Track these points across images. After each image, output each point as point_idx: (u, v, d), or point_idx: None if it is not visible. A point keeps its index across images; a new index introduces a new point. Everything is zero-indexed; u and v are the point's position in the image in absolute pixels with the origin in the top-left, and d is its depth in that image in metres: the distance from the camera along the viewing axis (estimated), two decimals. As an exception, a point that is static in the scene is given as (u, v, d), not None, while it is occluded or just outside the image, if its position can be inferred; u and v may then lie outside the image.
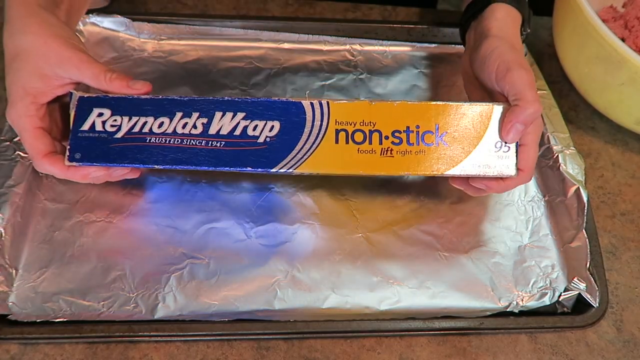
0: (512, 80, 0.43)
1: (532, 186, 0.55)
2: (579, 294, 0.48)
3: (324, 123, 0.43)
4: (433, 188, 0.54)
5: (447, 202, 0.53)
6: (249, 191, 0.52)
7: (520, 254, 0.51)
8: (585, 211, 0.50)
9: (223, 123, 0.43)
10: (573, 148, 0.54)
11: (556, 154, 0.54)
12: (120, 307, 0.45)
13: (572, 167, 0.53)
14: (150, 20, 0.60)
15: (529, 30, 0.52)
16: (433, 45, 0.64)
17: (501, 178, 0.44)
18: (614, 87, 0.55)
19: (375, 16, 0.67)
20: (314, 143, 0.43)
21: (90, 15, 0.59)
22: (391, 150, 0.43)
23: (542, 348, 0.47)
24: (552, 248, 0.51)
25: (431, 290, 0.48)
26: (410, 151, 0.44)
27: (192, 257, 0.48)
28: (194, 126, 0.43)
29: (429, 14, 0.68)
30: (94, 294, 0.45)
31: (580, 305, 0.48)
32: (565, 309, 0.48)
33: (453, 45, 0.64)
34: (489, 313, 0.47)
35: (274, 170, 0.43)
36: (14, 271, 0.46)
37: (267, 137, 0.43)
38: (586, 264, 0.48)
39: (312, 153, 0.43)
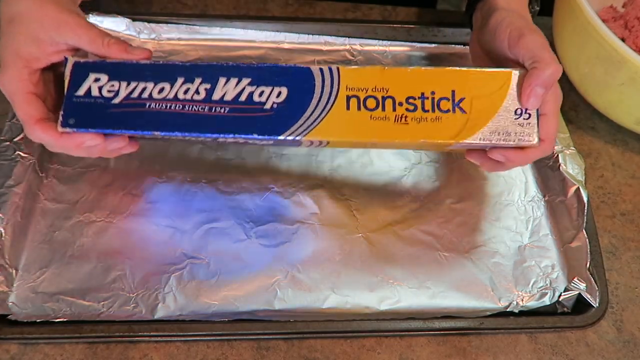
0: (527, 44, 0.42)
1: (532, 186, 0.55)
2: (579, 294, 0.48)
3: (334, 89, 0.41)
4: (433, 188, 0.54)
5: (447, 202, 0.53)
6: (249, 191, 0.52)
7: (520, 254, 0.51)
8: (585, 211, 0.50)
9: (227, 89, 0.41)
10: (573, 148, 0.54)
11: (556, 154, 0.54)
12: (120, 307, 0.45)
13: (572, 167, 0.53)
14: (150, 20, 0.60)
15: (537, 8, 0.51)
16: (433, 45, 0.64)
17: (521, 148, 0.43)
18: (614, 87, 0.55)
19: (375, 16, 0.67)
20: (323, 109, 0.41)
21: (90, 15, 0.59)
22: (406, 117, 0.41)
23: (542, 348, 0.47)
24: (552, 248, 0.51)
25: (431, 290, 0.48)
26: (426, 118, 0.41)
27: (192, 257, 0.48)
28: (197, 92, 0.41)
29: (429, 14, 0.68)
30: (94, 294, 0.45)
31: (580, 305, 0.48)
32: (565, 309, 0.48)
33: (453, 45, 0.64)
34: (489, 313, 0.47)
35: (281, 137, 0.41)
36: (14, 271, 0.46)
37: (274, 103, 0.41)
38: (586, 264, 0.48)
39: (322, 120, 0.41)
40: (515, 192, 0.54)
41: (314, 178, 0.53)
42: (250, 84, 0.41)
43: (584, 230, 0.49)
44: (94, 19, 0.60)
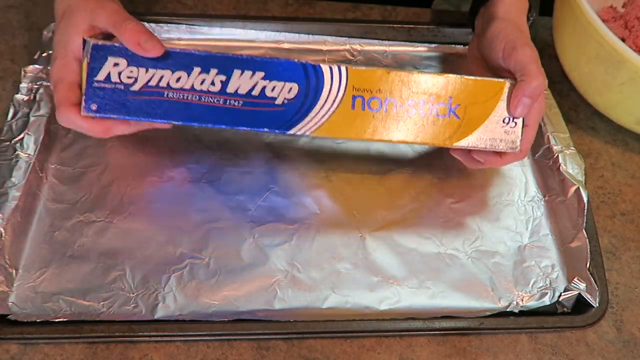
0: (518, 57, 0.45)
1: (532, 186, 0.55)
2: (579, 294, 0.48)
3: (342, 88, 0.44)
4: (433, 188, 0.54)
5: (447, 202, 0.53)
6: (249, 191, 0.52)
7: (520, 254, 0.51)
8: (585, 211, 0.50)
9: (241, 82, 0.43)
10: (573, 148, 0.54)
11: (556, 154, 0.54)
12: (120, 307, 0.45)
13: (572, 167, 0.53)
14: (150, 20, 0.60)
15: (535, 16, 0.54)
16: (433, 45, 0.64)
17: (499, 153, 0.46)
18: (614, 87, 0.55)
19: (375, 16, 0.67)
20: (330, 107, 0.44)
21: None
22: (405, 120, 0.44)
23: (542, 348, 0.47)
24: (552, 248, 0.51)
25: (431, 290, 0.48)
26: (423, 121, 0.45)
27: (192, 257, 0.48)
28: (212, 83, 0.43)
29: (429, 14, 0.68)
30: (94, 294, 0.45)
31: (580, 305, 0.48)
32: (565, 309, 0.48)
33: (453, 45, 0.64)
34: (489, 313, 0.47)
35: (290, 132, 0.44)
36: (14, 271, 0.46)
37: (285, 99, 0.43)
38: (586, 264, 0.48)
39: (328, 117, 0.44)
40: (515, 192, 0.54)
41: (314, 178, 0.53)
42: (263, 78, 0.43)
43: (584, 230, 0.49)
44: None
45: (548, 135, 0.55)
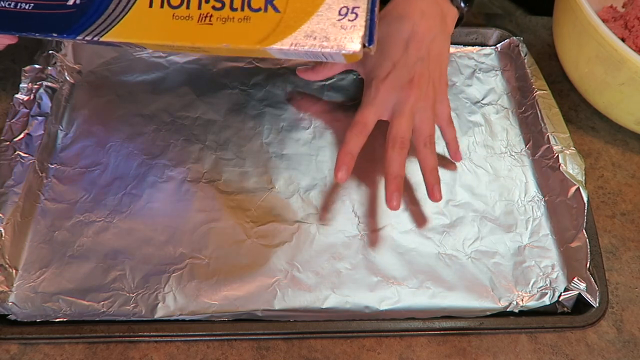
0: None
1: (532, 186, 0.55)
2: (579, 294, 0.48)
3: None
4: (433, 188, 0.54)
5: (447, 202, 0.53)
6: (249, 191, 0.52)
7: (520, 254, 0.51)
8: (585, 211, 0.50)
9: None
10: (573, 148, 0.54)
11: (556, 154, 0.54)
12: (120, 307, 0.45)
13: (572, 167, 0.53)
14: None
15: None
16: (433, 45, 0.64)
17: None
18: (614, 87, 0.55)
19: (375, 16, 0.67)
20: (125, 7, 0.38)
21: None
22: (210, 16, 0.37)
23: (542, 348, 0.47)
24: (552, 248, 0.51)
25: (431, 290, 0.48)
26: (233, 18, 0.36)
27: (192, 257, 0.48)
28: None
29: (429, 14, 0.67)
30: (94, 294, 0.45)
31: (580, 305, 0.48)
32: (565, 309, 0.48)
33: (453, 45, 0.64)
34: (489, 313, 0.47)
35: (79, 37, 0.38)
36: (14, 271, 0.46)
37: (76, 0, 0.38)
38: (586, 264, 0.48)
39: (122, 18, 0.37)
40: (515, 192, 0.54)
41: (314, 178, 0.53)
42: None
43: (584, 230, 0.49)
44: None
45: (548, 135, 0.55)
